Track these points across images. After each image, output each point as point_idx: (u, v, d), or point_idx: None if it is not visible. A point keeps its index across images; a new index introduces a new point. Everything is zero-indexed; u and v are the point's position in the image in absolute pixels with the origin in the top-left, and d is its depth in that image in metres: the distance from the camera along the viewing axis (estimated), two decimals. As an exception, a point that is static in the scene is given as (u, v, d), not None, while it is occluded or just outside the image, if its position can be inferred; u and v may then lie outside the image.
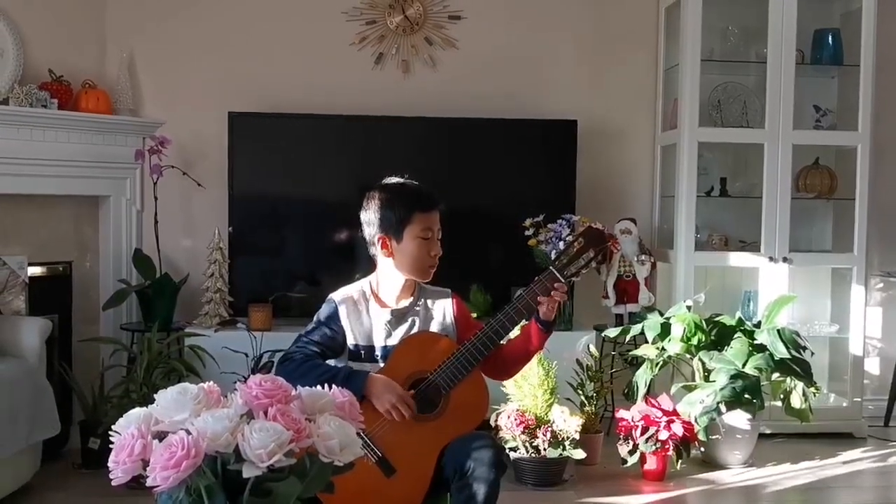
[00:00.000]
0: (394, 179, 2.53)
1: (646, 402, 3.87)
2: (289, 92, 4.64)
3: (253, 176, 4.50)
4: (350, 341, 2.46)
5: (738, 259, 4.56)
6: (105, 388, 3.93)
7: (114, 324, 4.47)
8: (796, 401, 4.00)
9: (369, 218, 2.48)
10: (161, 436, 1.49)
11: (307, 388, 1.66)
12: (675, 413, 3.80)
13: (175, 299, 4.38)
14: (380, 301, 2.50)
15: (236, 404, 1.54)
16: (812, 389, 3.98)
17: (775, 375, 3.97)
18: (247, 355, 4.03)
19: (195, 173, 4.56)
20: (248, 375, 1.61)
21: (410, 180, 2.53)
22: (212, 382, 1.62)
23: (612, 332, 4.25)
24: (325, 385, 1.69)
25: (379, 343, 2.46)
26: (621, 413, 3.87)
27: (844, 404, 4.58)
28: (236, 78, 4.65)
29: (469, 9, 4.76)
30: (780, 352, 3.84)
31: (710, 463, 4.04)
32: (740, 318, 4.10)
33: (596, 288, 4.61)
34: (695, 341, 3.97)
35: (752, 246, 4.61)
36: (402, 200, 2.45)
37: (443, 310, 2.53)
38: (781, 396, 4.04)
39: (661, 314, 4.14)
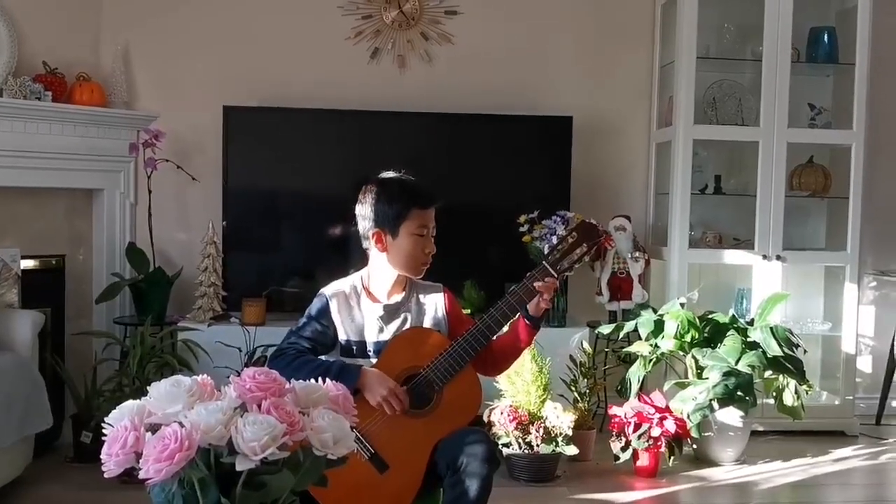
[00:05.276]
0: (391, 174, 2.52)
1: (639, 398, 3.88)
2: (284, 86, 4.63)
3: (247, 170, 4.49)
4: (342, 337, 2.46)
5: (731, 257, 4.56)
6: (97, 382, 3.92)
7: (107, 317, 4.46)
8: (788, 398, 4.01)
9: (365, 212, 2.47)
10: (154, 428, 1.48)
11: (301, 381, 1.66)
12: (667, 410, 3.81)
13: (168, 293, 4.37)
14: (371, 296, 2.50)
15: (230, 397, 1.54)
16: (804, 387, 3.99)
17: (768, 373, 3.98)
18: (240, 350, 4.03)
19: (189, 167, 4.55)
20: (242, 370, 1.60)
21: (407, 175, 2.52)
22: (205, 375, 1.62)
23: (605, 329, 4.26)
24: (319, 379, 1.69)
25: (371, 338, 2.45)
26: (614, 410, 3.88)
27: (836, 402, 4.59)
28: (231, 71, 4.64)
29: (465, 4, 4.76)
30: (773, 349, 3.86)
31: (703, 460, 4.05)
32: (733, 316, 4.11)
33: (590, 284, 4.62)
34: (688, 338, 3.98)
35: (745, 243, 4.62)
36: (400, 196, 2.44)
37: (435, 305, 2.52)
38: (774, 394, 4.05)
39: (655, 311, 4.15)
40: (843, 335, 4.58)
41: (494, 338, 2.45)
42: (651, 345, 4.02)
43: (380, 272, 2.50)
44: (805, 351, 4.08)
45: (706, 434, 3.92)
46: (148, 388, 1.56)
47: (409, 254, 2.44)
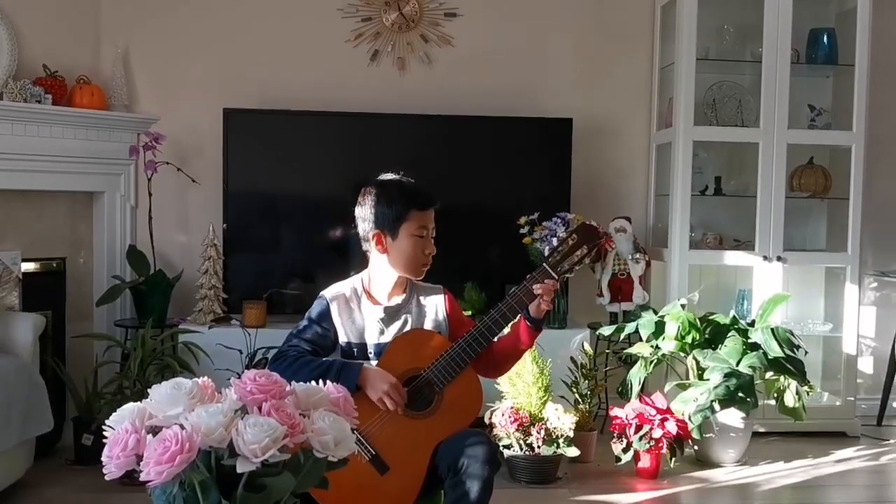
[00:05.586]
0: (390, 176, 2.52)
1: (640, 400, 3.88)
2: (284, 88, 4.63)
3: (248, 172, 4.49)
4: (342, 339, 2.46)
5: (732, 258, 4.56)
6: (98, 385, 3.92)
7: (107, 320, 4.47)
8: (790, 399, 4.01)
9: (365, 214, 2.47)
10: (155, 430, 1.48)
11: (302, 383, 1.66)
12: (668, 411, 3.81)
13: (169, 296, 4.37)
14: (372, 298, 2.50)
15: (230, 399, 1.54)
16: (805, 388, 3.99)
17: (769, 374, 3.98)
18: (241, 352, 4.03)
19: (190, 169, 4.56)
20: (242, 372, 1.60)
21: (407, 177, 2.53)
22: (206, 378, 1.62)
23: (606, 331, 4.26)
24: (320, 380, 1.69)
25: (372, 340, 2.46)
26: (615, 411, 3.88)
27: (838, 403, 4.59)
28: (231, 74, 4.64)
29: (465, 6, 4.76)
30: (774, 350, 3.85)
31: (704, 461, 4.05)
32: (734, 317, 4.11)
33: (591, 286, 4.62)
34: (689, 340, 3.97)
35: (746, 245, 4.62)
36: (400, 197, 2.44)
37: (435, 307, 2.52)
38: (775, 395, 4.05)
39: (656, 312, 4.15)
40: (844, 336, 4.58)
41: (495, 339, 2.45)
42: (652, 346, 4.02)
43: (380, 274, 2.50)
44: (806, 352, 4.08)
45: (707, 435, 3.92)
46: (149, 390, 1.56)
47: (409, 255, 2.45)
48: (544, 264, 2.42)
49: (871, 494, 3.86)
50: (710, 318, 4.10)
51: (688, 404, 3.80)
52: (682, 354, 4.02)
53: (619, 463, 3.81)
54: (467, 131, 4.62)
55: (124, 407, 1.54)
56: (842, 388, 4.57)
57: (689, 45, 4.43)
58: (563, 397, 3.93)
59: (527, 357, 3.64)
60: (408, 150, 4.47)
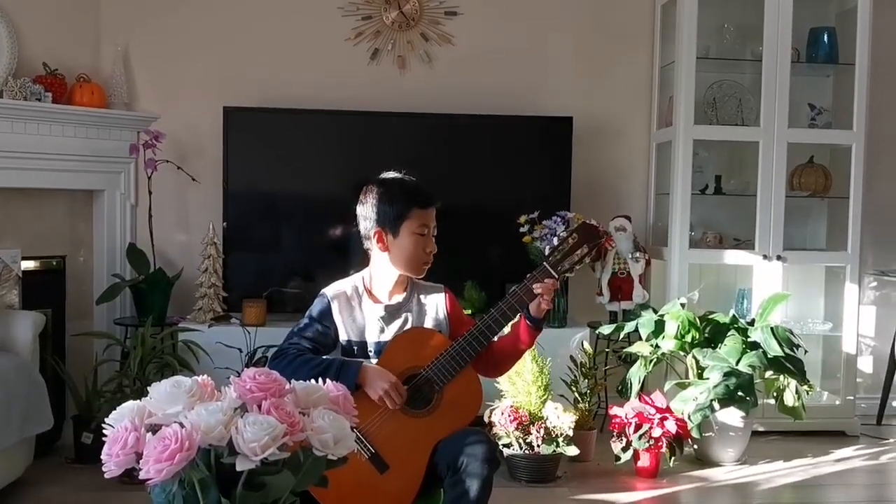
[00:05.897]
0: (392, 174, 2.53)
1: (639, 399, 3.88)
2: (284, 87, 4.63)
3: (248, 171, 4.49)
4: (342, 337, 2.46)
5: (732, 257, 4.56)
6: (98, 383, 3.92)
7: (107, 318, 4.47)
8: (789, 399, 4.01)
9: (366, 212, 2.47)
10: (154, 429, 1.49)
11: (301, 381, 1.66)
12: (668, 410, 3.81)
13: (169, 294, 4.37)
14: (373, 297, 2.50)
15: (230, 397, 1.54)
16: (805, 387, 3.99)
17: (769, 373, 3.98)
18: (241, 351, 4.03)
19: (190, 168, 4.56)
20: (242, 371, 1.60)
21: (408, 176, 2.53)
22: (206, 376, 1.62)
23: (606, 329, 4.26)
24: (319, 378, 1.69)
25: (372, 339, 2.46)
26: (615, 410, 3.88)
27: (837, 402, 4.59)
28: (231, 72, 4.64)
29: (465, 5, 4.76)
30: (774, 350, 3.85)
31: (704, 460, 4.05)
32: (734, 316, 4.11)
33: (590, 285, 4.62)
34: (689, 339, 3.97)
35: (746, 244, 4.62)
36: (401, 196, 2.45)
37: (436, 305, 2.52)
38: (774, 394, 4.05)
39: (656, 311, 4.15)
40: (844, 335, 4.58)
41: (495, 338, 2.45)
42: (652, 345, 4.02)
43: (381, 272, 2.50)
44: (806, 351, 4.08)
45: (707, 434, 3.92)
46: (148, 388, 1.56)
47: (410, 253, 2.45)
48: (545, 263, 2.42)
49: (871, 494, 3.86)
50: (710, 317, 4.10)
51: (687, 403, 3.80)
52: (682, 353, 4.02)
53: (619, 462, 3.81)
54: (467, 130, 4.62)
55: (124, 405, 1.54)
56: (841, 387, 4.57)
57: (689, 43, 4.43)
58: (562, 396, 3.93)
59: (526, 356, 3.63)
60: (408, 149, 4.47)
